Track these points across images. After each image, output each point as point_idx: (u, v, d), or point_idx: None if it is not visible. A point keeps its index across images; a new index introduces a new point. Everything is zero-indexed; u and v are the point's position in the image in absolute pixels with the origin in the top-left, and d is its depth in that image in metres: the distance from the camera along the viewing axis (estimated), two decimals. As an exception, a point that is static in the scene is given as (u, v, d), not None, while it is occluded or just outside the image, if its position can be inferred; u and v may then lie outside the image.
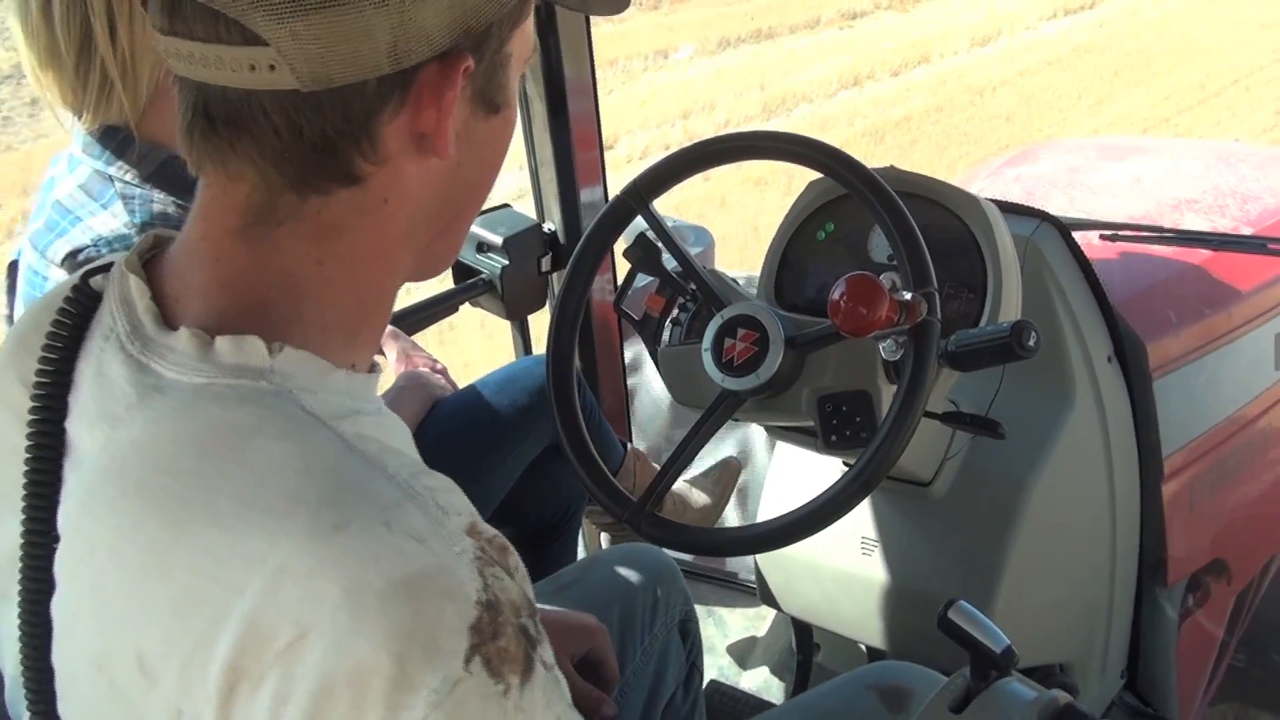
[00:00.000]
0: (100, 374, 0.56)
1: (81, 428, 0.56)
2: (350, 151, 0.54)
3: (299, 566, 0.47)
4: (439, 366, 1.62)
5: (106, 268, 0.61)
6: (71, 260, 1.07)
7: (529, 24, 0.59)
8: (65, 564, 0.55)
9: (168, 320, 0.56)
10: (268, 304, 0.56)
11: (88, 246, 1.07)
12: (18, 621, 0.56)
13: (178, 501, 0.50)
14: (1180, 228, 1.71)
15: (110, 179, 1.10)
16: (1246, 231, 1.76)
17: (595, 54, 1.66)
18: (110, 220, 1.09)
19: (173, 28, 0.52)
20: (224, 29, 0.51)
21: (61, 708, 0.56)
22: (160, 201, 1.10)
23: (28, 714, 0.57)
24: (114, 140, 1.10)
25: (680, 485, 1.80)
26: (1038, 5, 11.17)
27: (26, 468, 0.56)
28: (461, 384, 1.60)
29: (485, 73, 0.56)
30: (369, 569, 0.47)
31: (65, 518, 0.55)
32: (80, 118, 1.09)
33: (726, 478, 1.85)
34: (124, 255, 0.60)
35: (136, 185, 1.10)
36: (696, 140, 1.17)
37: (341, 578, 0.47)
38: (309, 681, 0.46)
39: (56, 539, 0.55)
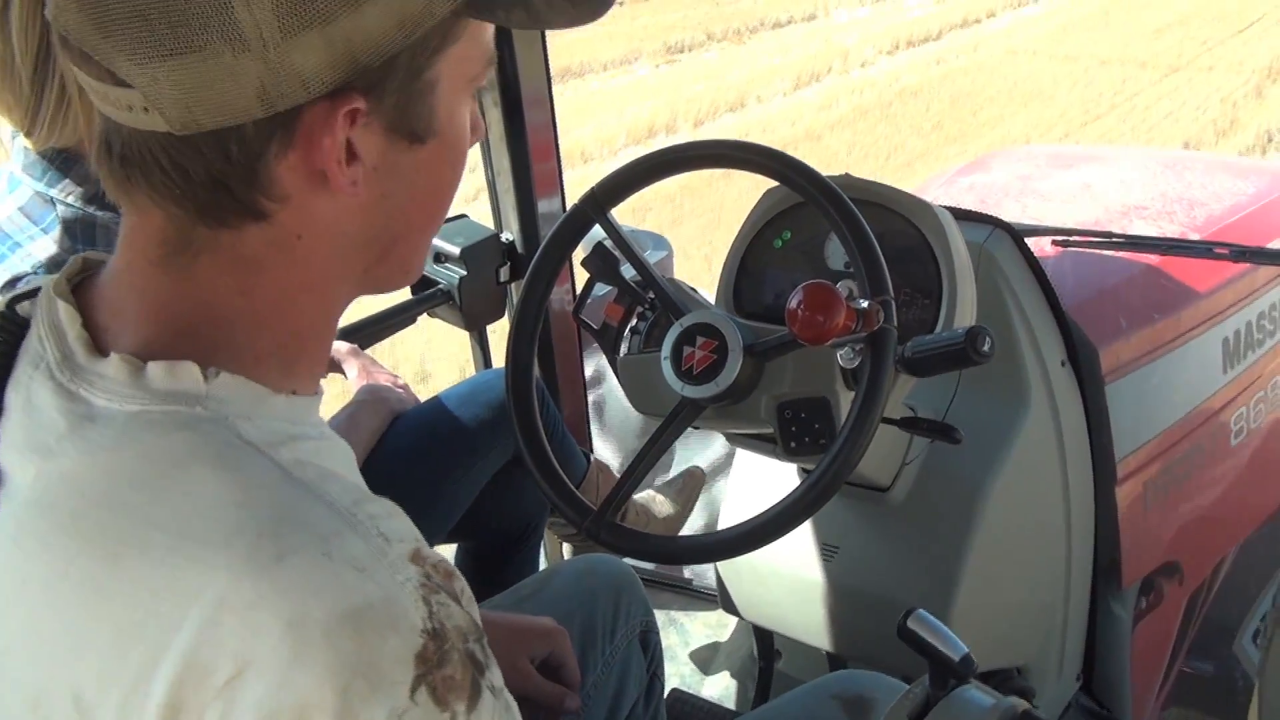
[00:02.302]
0: (29, 403, 0.54)
1: (12, 459, 0.54)
2: (245, 189, 0.52)
3: (238, 600, 0.46)
4: (400, 382, 1.60)
5: (33, 293, 0.59)
6: (11, 288, 1.04)
7: (471, 46, 0.55)
8: None
9: (99, 348, 0.54)
10: (196, 331, 0.54)
11: (28, 274, 1.04)
12: None
13: (112, 535, 0.49)
14: (1130, 233, 1.74)
15: (52, 201, 1.07)
16: (1194, 237, 1.79)
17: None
18: (50, 245, 1.06)
19: (72, 59, 0.51)
20: (100, 69, 0.50)
21: None
22: (104, 222, 1.08)
23: None
24: (57, 160, 1.06)
25: (644, 495, 1.80)
26: (880, 37, 10.25)
27: None
28: (423, 398, 1.59)
29: (398, 105, 0.53)
30: (310, 601, 0.46)
31: None
32: (30, 136, 1.06)
33: (690, 487, 1.85)
34: (51, 280, 0.58)
35: (79, 207, 1.07)
36: (654, 149, 1.17)
37: (282, 610, 0.46)
38: (250, 717, 0.45)
39: None
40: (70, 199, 1.07)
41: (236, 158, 0.51)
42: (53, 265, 1.04)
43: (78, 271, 0.59)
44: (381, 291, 0.63)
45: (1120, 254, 1.68)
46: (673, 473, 2.15)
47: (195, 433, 0.51)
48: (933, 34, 10.42)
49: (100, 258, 0.59)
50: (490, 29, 0.57)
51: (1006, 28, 10.74)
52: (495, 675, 0.51)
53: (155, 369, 0.52)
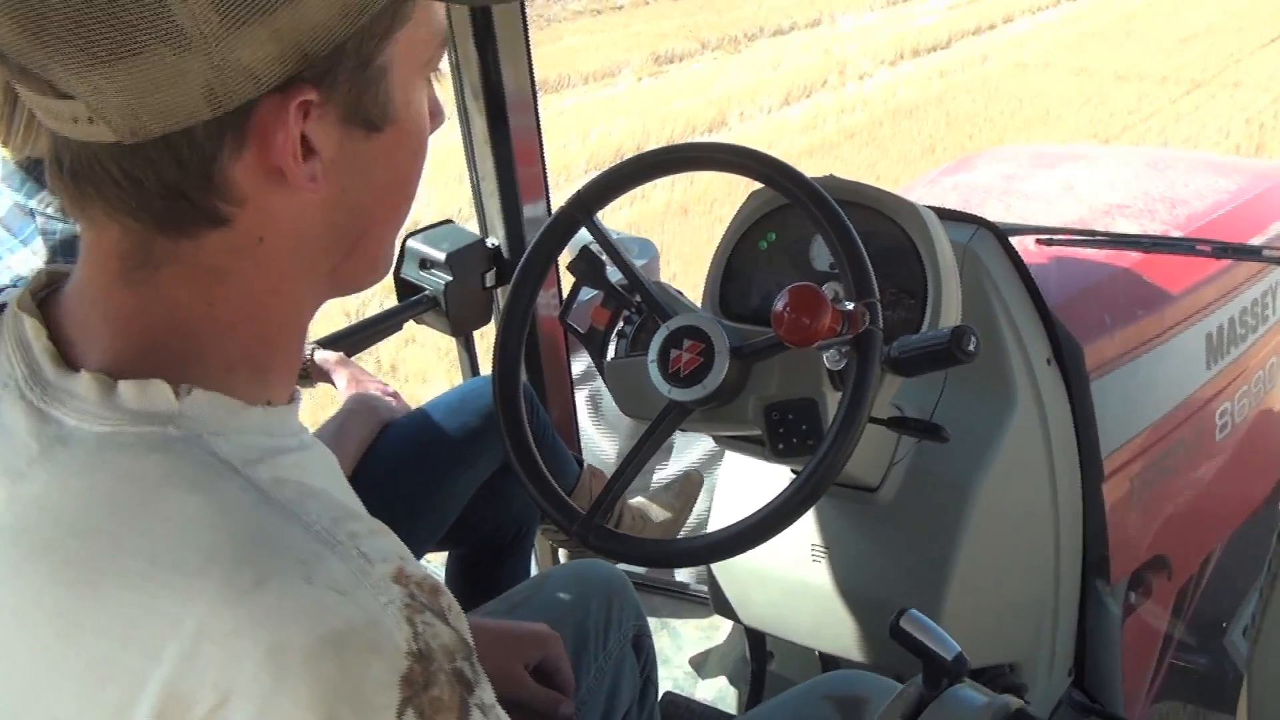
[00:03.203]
0: (0, 424, 0.53)
1: None
2: (201, 195, 0.50)
3: (217, 628, 0.45)
4: (389, 390, 1.60)
5: None
6: None
7: (420, 29, 0.53)
8: None
9: (68, 362, 0.53)
10: (164, 345, 0.53)
11: (7, 288, 1.04)
12: None
13: (86, 563, 0.48)
14: (1113, 231, 1.76)
15: (31, 213, 1.06)
16: (1176, 234, 1.81)
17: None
18: (30, 258, 1.05)
19: (11, 74, 0.49)
20: (40, 82, 0.48)
21: None
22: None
23: None
24: (36, 170, 1.06)
25: (640, 500, 1.79)
26: (884, 46, 9.42)
27: None
28: (412, 406, 1.59)
29: (350, 93, 0.51)
30: (291, 627, 0.45)
31: None
32: (6, 146, 1.05)
33: (688, 491, 1.84)
34: (16, 294, 0.56)
35: (58, 219, 1.07)
36: (639, 152, 1.17)
37: (262, 638, 0.45)
38: None
39: None
40: (50, 210, 1.06)
41: (189, 163, 0.49)
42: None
43: (43, 285, 0.57)
44: (352, 292, 0.61)
45: (1103, 252, 1.69)
46: (670, 470, 2.15)
47: (169, 454, 0.50)
48: (941, 42, 9.61)
49: (65, 270, 0.58)
50: (439, 10, 0.55)
51: (1021, 35, 9.87)
52: (485, 692, 0.50)
53: (127, 388, 0.51)
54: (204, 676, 0.45)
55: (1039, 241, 1.65)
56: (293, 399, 0.60)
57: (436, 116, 0.59)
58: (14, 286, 1.03)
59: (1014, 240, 1.40)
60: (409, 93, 0.54)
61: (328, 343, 1.61)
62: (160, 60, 0.46)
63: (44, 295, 0.57)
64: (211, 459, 0.51)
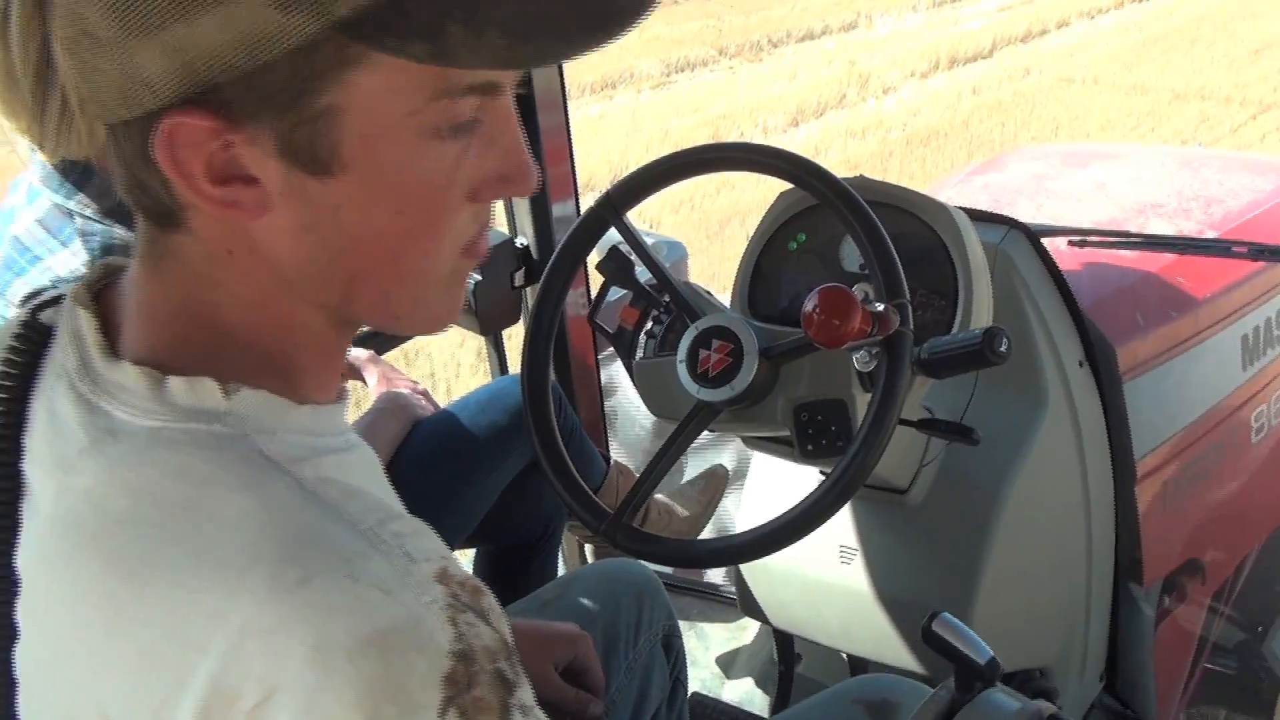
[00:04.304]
0: (52, 414, 0.54)
1: (35, 472, 0.54)
2: (146, 191, 0.52)
3: (262, 624, 0.45)
4: (419, 388, 1.61)
5: (57, 300, 0.59)
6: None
7: (393, 77, 0.48)
8: (27, 614, 0.53)
9: (115, 352, 0.54)
10: (187, 338, 0.54)
11: (47, 288, 1.05)
12: None
13: (135, 556, 0.48)
14: (1146, 232, 1.74)
15: (70, 214, 1.08)
16: (1211, 235, 1.78)
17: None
18: (70, 259, 1.06)
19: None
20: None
21: None
22: (121, 237, 1.08)
23: None
24: (74, 172, 1.07)
25: (664, 496, 1.80)
26: (916, 56, 8.49)
27: None
28: (442, 404, 1.60)
29: (280, 129, 0.49)
30: (335, 624, 0.45)
31: (25, 564, 0.53)
32: (41, 149, 1.07)
33: (713, 487, 1.84)
34: (74, 287, 0.58)
35: (96, 220, 1.08)
36: (670, 152, 1.17)
37: (307, 635, 0.45)
38: None
39: (16, 585, 0.53)
40: (88, 212, 1.07)
41: (129, 158, 0.51)
42: (72, 281, 1.05)
43: (99, 278, 0.59)
44: (379, 330, 0.61)
45: (1136, 253, 1.68)
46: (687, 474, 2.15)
47: (217, 452, 0.51)
48: (984, 50, 8.68)
49: (122, 264, 0.59)
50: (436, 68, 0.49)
51: (1073, 43, 8.84)
52: (525, 693, 0.50)
53: (176, 384, 0.52)
54: (249, 671, 0.45)
55: (1071, 243, 1.63)
56: (340, 397, 0.60)
57: (478, 191, 0.55)
58: (52, 287, 1.04)
59: (1046, 241, 1.39)
60: (377, 144, 0.50)
61: (359, 340, 1.63)
62: (85, 52, 0.48)
63: (100, 288, 0.58)
64: (258, 458, 0.51)
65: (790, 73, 8.49)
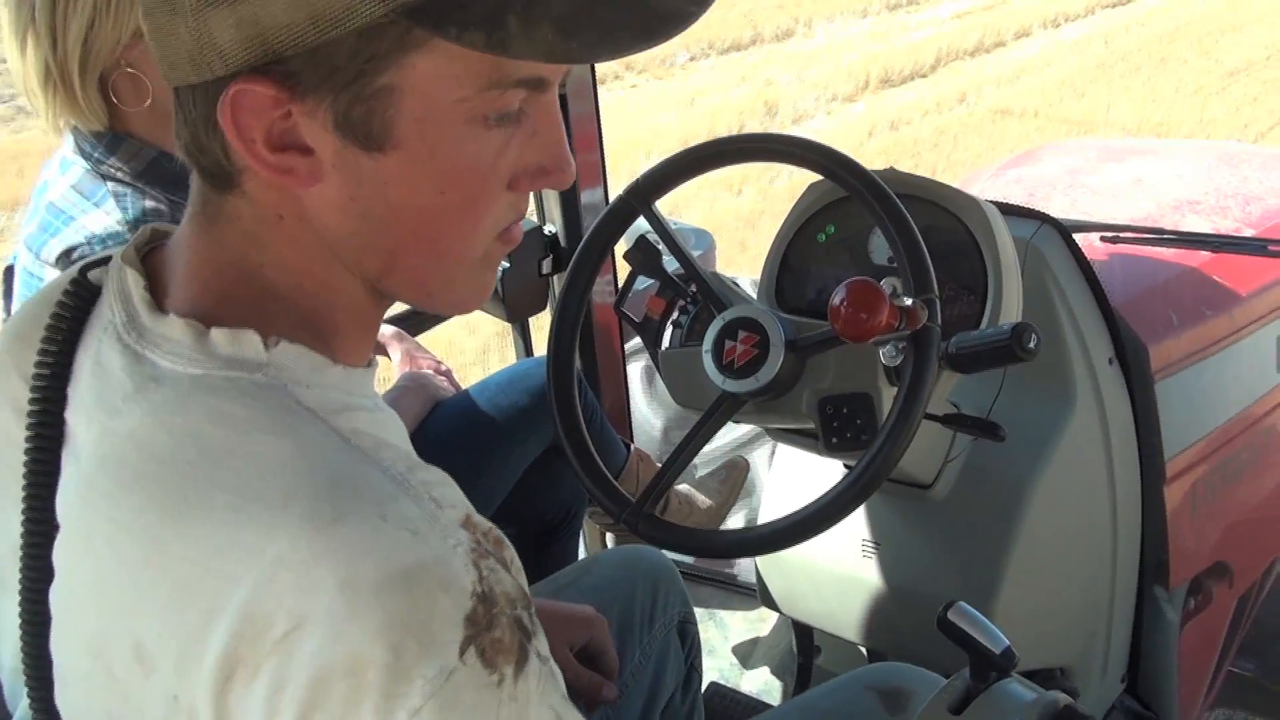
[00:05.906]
0: (98, 364, 0.57)
1: (79, 418, 0.57)
2: (206, 154, 0.55)
3: (295, 558, 0.48)
4: (443, 368, 1.62)
5: (104, 261, 0.62)
6: (66, 259, 1.08)
7: (448, 64, 0.51)
8: (64, 553, 0.55)
9: (161, 308, 0.57)
10: (231, 296, 0.57)
11: (81, 245, 1.07)
12: (18, 610, 0.57)
13: (175, 494, 0.51)
14: (1181, 229, 1.71)
15: (102, 177, 1.11)
16: (1248, 233, 1.76)
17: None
18: (103, 218, 1.09)
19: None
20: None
21: (59, 697, 0.57)
22: (153, 198, 1.11)
23: (27, 703, 0.58)
24: (104, 139, 1.11)
25: (686, 486, 1.80)
26: (843, 75, 7.46)
27: (26, 457, 0.57)
28: (465, 385, 1.61)
29: (338, 103, 0.51)
30: (365, 561, 0.47)
31: (64, 507, 0.56)
32: (80, 120, 1.11)
33: (734, 478, 1.84)
34: (122, 249, 0.61)
35: (128, 182, 1.10)
36: (698, 142, 1.17)
37: (337, 569, 0.47)
38: (305, 670, 0.46)
39: (55, 528, 0.56)
40: (119, 174, 1.10)
41: (194, 119, 0.54)
42: (108, 239, 1.07)
43: (146, 241, 0.62)
44: (412, 305, 0.63)
45: (1171, 250, 1.65)
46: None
47: (257, 399, 0.53)
48: (923, 67, 7.65)
49: (169, 228, 0.62)
50: (487, 58, 0.51)
51: (1024, 61, 7.79)
52: (542, 643, 0.52)
53: (219, 335, 0.55)
54: (280, 602, 0.47)
55: (1104, 238, 1.61)
56: (370, 364, 0.63)
57: (520, 180, 0.57)
58: (86, 244, 1.07)
59: (1078, 237, 1.37)
60: (429, 125, 0.53)
61: (391, 319, 1.64)
62: (162, 17, 0.52)
63: (147, 250, 0.61)
64: (296, 405, 0.54)
65: (695, 94, 7.32)
